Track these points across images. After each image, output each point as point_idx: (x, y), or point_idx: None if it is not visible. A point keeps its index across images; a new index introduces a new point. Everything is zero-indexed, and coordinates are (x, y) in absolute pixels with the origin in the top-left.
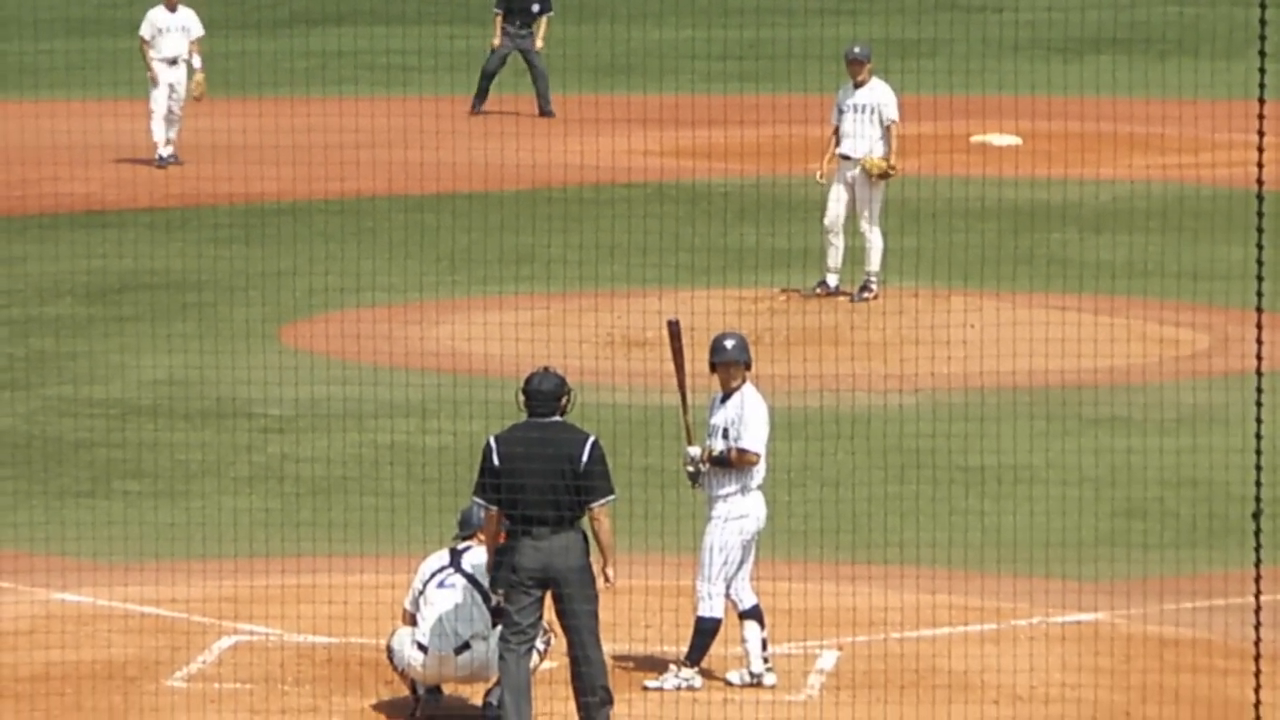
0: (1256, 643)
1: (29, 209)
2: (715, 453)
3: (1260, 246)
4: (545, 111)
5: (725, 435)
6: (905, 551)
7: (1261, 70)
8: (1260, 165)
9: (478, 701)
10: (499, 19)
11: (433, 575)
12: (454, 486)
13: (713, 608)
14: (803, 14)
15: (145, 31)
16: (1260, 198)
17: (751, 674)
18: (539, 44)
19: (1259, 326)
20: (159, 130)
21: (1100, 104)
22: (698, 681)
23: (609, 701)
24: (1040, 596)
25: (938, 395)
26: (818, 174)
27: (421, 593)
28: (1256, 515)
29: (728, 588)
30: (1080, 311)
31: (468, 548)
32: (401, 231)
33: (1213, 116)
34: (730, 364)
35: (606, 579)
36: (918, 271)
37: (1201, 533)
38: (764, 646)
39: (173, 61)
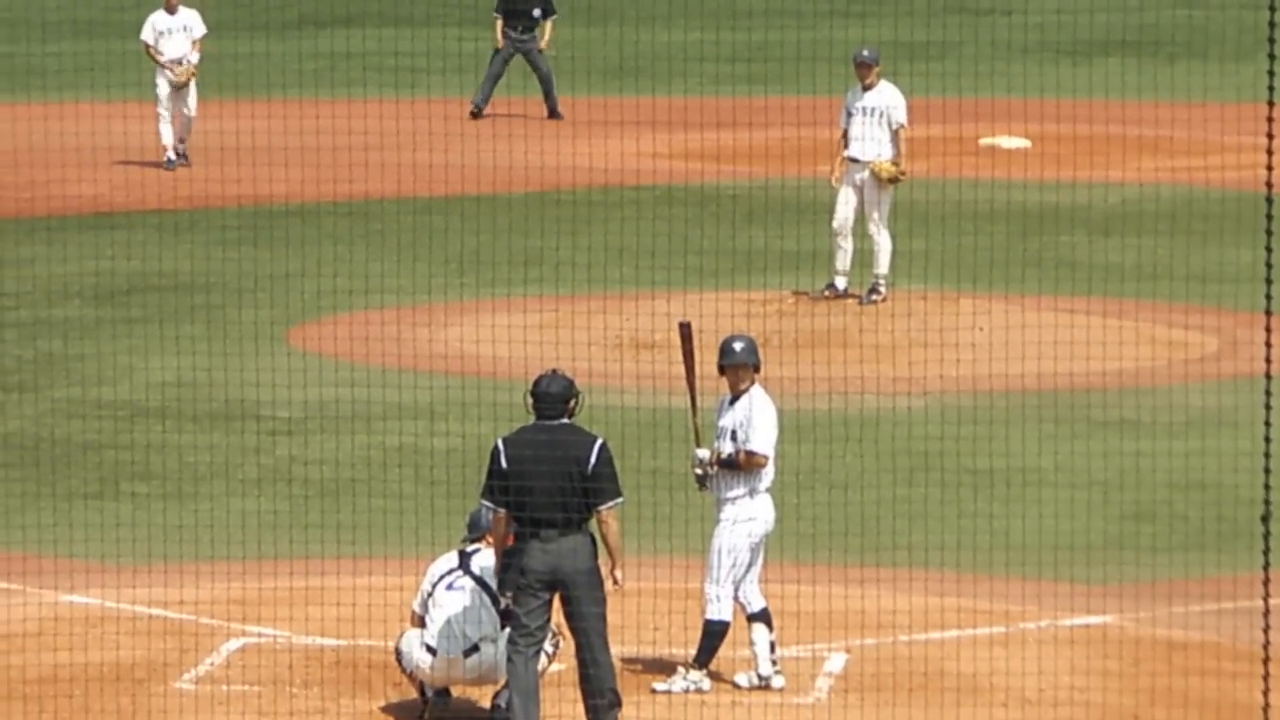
0: (1265, 646)
1: (37, 211)
2: (723, 455)
3: (1269, 249)
4: (554, 114)
5: (733, 438)
6: (914, 554)
7: (1271, 73)
8: (1270, 168)
9: (486, 704)
10: (499, 22)
11: (441, 578)
12: (462, 489)
13: (721, 610)
14: (811, 16)
15: (147, 35)
16: (1270, 200)
17: (760, 676)
18: (544, 45)
19: (1268, 329)
20: (167, 132)
21: (1109, 107)
22: (706, 684)
23: (617, 704)
24: (1049, 599)
25: (946, 398)
26: (832, 178)
27: (430, 595)
28: (1265, 518)
29: (736, 590)
30: (1089, 314)
31: (476, 550)
32: (410, 234)
33: (1222, 119)
34: (739, 366)
35: (615, 581)
36: (926, 274)
37: (1210, 536)
38: (772, 649)
39: (178, 63)
